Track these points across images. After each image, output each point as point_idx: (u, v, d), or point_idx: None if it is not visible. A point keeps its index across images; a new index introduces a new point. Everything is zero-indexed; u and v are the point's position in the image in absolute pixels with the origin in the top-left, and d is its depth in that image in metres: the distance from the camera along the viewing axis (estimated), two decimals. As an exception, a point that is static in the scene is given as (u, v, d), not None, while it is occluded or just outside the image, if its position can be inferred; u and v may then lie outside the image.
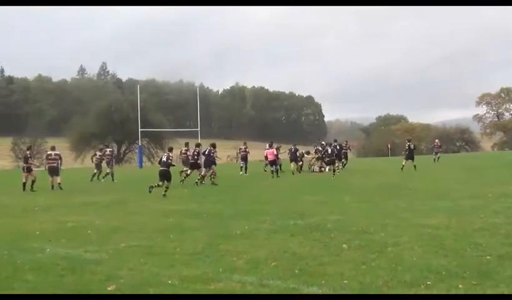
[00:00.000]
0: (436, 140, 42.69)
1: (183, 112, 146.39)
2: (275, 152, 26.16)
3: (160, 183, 16.90)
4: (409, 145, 28.24)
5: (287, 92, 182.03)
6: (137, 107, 49.55)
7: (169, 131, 72.79)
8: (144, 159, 63.45)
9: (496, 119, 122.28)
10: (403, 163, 27.59)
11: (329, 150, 25.20)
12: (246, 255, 7.25)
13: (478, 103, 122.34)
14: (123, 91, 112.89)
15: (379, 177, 23.79)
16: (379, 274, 6.02)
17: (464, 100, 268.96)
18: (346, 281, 5.80)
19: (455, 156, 56.54)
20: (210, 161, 21.78)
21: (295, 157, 28.48)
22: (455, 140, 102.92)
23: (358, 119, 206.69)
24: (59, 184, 21.18)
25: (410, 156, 27.71)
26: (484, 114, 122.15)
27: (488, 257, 6.71)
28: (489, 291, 5.32)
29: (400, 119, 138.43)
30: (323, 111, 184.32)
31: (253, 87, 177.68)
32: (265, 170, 28.84)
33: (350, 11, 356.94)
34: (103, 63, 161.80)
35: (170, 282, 5.98)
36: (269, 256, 7.13)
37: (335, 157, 25.38)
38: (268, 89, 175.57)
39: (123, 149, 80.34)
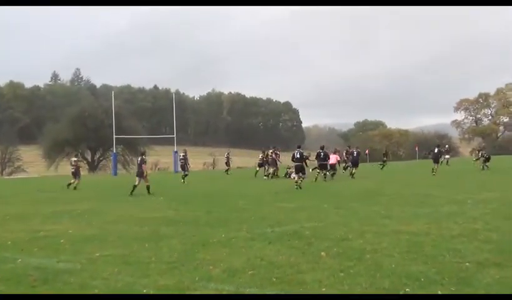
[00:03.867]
0: (446, 146, 43.74)
1: (158, 118, 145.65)
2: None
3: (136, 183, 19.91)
4: (438, 150, 30.85)
5: (264, 98, 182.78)
6: (112, 113, 49.09)
7: (144, 138, 72.28)
8: (119, 166, 62.72)
9: (475, 125, 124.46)
10: (433, 167, 29.42)
11: (322, 155, 26.09)
12: (223, 263, 7.20)
13: (456, 109, 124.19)
14: (97, 97, 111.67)
15: (358, 183, 23.96)
16: (358, 281, 6.04)
17: (443, 106, 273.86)
18: (324, 289, 5.79)
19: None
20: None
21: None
22: (433, 145, 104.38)
23: (336, 125, 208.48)
24: None
25: (436, 159, 30.00)
26: (463, 119, 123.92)
27: (467, 263, 6.78)
28: (468, 297, 5.37)
29: (378, 125, 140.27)
30: (300, 117, 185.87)
31: (230, 93, 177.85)
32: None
33: (328, 19, 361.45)
34: (76, 69, 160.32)
35: (145, 291, 5.90)
36: (246, 264, 7.09)
37: (327, 161, 26.25)
38: (245, 95, 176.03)
39: (97, 156, 79.41)
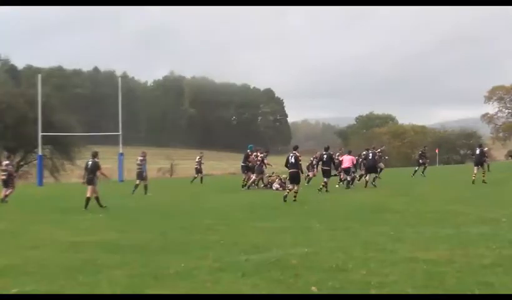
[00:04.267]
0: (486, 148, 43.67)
1: (99, 110, 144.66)
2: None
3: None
4: (481, 150, 31.00)
5: (239, 84, 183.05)
6: (37, 103, 48.56)
7: (80, 136, 71.52)
8: (46, 173, 62.01)
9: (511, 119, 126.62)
10: (474, 172, 29.76)
11: (325, 157, 27.52)
12: (182, 303, 7.11)
13: (488, 99, 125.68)
14: (18, 82, 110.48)
15: (359, 195, 24.09)
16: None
17: (470, 96, 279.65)
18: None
19: (459, 168, 58.06)
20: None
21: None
22: (458, 147, 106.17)
23: (332, 120, 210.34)
24: None
25: (479, 162, 30.31)
26: (496, 112, 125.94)
27: (502, 301, 6.83)
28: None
29: (387, 120, 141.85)
30: (286, 109, 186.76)
31: (194, 77, 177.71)
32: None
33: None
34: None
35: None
36: (213, 304, 7.02)
37: (331, 167, 27.82)
38: (213, 80, 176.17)
39: (17, 159, 78.46)
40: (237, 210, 19.10)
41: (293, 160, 23.12)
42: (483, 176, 29.85)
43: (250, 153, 31.93)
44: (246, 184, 30.54)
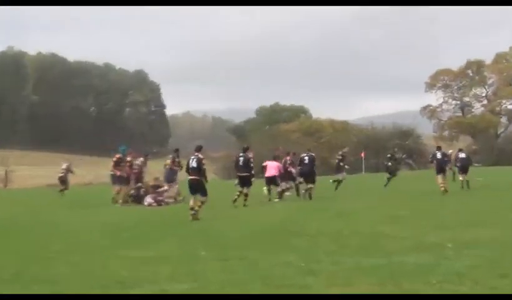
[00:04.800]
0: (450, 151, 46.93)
1: None
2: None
3: None
4: (443, 154, 34.94)
5: (100, 63, 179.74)
6: None
7: None
8: None
9: (460, 114, 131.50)
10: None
11: (306, 160, 31.36)
12: None
13: (430, 86, 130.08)
14: None
15: (264, 211, 24.65)
16: None
17: (406, 83, 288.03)
18: None
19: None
20: None
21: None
22: (391, 149, 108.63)
23: (225, 113, 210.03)
24: None
25: (441, 168, 33.76)
26: (440, 104, 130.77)
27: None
28: None
29: (297, 113, 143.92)
30: (163, 98, 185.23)
31: (40, 53, 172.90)
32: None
33: None
34: None
35: None
36: None
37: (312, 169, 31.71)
38: (66, 58, 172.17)
39: None
40: (97, 232, 19.10)
41: (194, 164, 23.64)
42: (442, 186, 32.71)
43: (121, 157, 32.28)
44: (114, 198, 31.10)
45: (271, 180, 33.16)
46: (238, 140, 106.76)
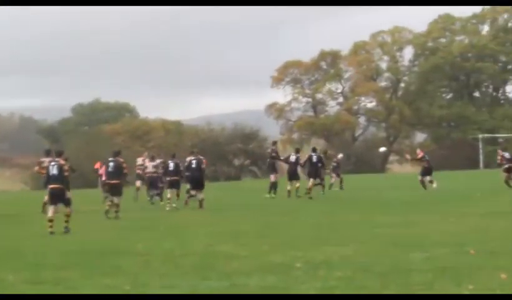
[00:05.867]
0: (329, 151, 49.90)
1: None
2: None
3: None
4: (318, 157, 39.27)
5: None
6: None
7: None
8: None
9: (312, 113, 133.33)
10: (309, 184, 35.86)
11: (194, 164, 34.38)
12: None
13: (277, 81, 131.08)
14: None
15: (93, 227, 24.80)
16: None
17: (249, 77, 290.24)
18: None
19: (233, 185, 60.93)
20: None
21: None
22: (232, 154, 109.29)
23: (36, 111, 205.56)
24: None
25: (316, 172, 37.48)
26: (289, 102, 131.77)
27: None
28: None
29: (122, 112, 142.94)
30: None
31: None
32: None
33: None
34: None
35: None
36: None
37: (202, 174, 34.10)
38: None
39: None
40: None
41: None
42: (309, 191, 33.92)
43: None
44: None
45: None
46: (51, 144, 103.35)
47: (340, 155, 47.68)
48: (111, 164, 30.34)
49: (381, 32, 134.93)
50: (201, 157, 36.82)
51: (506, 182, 45.13)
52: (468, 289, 11.88)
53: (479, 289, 11.83)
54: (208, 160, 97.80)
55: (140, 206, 36.88)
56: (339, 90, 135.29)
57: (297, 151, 43.34)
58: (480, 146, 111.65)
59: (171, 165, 35.64)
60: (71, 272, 15.27)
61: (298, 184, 40.67)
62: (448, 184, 53.08)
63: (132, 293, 12.67)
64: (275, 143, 49.30)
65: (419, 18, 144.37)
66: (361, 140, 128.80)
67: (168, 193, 35.88)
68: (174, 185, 35.35)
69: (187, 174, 36.03)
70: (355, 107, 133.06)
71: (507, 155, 46.05)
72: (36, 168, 36.77)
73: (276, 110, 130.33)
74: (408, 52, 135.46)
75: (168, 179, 36.47)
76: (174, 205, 34.92)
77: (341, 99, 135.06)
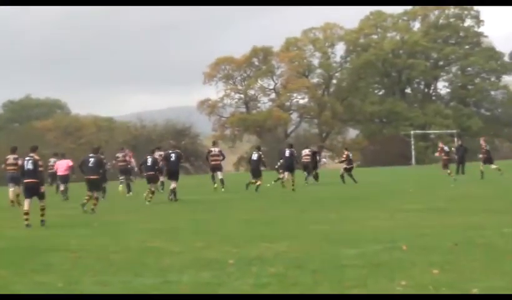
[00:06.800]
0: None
1: None
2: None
3: None
4: (291, 152, 43.56)
5: None
6: None
7: None
8: None
9: (244, 109, 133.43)
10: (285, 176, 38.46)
11: (173, 156, 34.79)
12: None
13: (209, 77, 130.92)
14: None
15: (8, 225, 24.63)
16: None
17: (183, 72, 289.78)
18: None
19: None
20: None
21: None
22: (164, 150, 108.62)
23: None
24: None
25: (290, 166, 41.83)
26: (222, 98, 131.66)
27: None
28: None
29: (53, 108, 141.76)
30: None
31: None
32: None
33: None
34: None
35: None
36: None
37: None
38: None
39: None
40: None
41: (30, 166, 24.44)
42: (292, 185, 40.00)
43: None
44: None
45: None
46: None
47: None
48: (91, 159, 30.69)
49: (313, 29, 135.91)
50: (179, 150, 37.36)
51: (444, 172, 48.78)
52: (401, 285, 12.02)
53: (412, 285, 11.98)
54: (140, 158, 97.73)
55: (74, 203, 36.57)
56: (271, 87, 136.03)
57: (291, 146, 46.80)
58: (412, 142, 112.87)
59: (149, 160, 36.10)
60: (1, 269, 15.19)
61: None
62: (381, 180, 53.75)
63: (65, 289, 12.61)
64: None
65: (351, 14, 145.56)
66: (293, 137, 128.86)
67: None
68: (151, 180, 35.84)
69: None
70: (287, 104, 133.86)
71: (446, 148, 47.96)
72: (2, 166, 38.73)
73: (209, 107, 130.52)
74: (340, 49, 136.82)
75: (145, 174, 36.93)
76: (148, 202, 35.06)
77: (273, 95, 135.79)
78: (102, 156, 31.63)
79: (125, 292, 12.38)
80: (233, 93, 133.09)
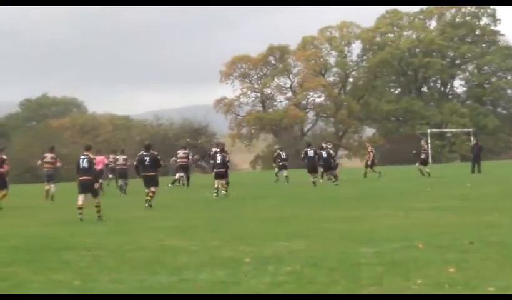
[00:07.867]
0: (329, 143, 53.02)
1: None
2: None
3: None
4: (314, 152, 43.61)
5: None
6: None
7: None
8: None
9: (261, 108, 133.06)
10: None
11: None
12: None
13: (225, 76, 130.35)
14: None
15: (23, 224, 24.57)
16: None
17: (199, 71, 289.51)
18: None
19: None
20: None
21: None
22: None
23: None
24: None
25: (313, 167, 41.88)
26: (238, 97, 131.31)
27: None
28: None
29: (69, 107, 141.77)
30: None
31: None
32: None
33: None
34: None
35: None
36: None
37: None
38: None
39: None
40: None
41: (85, 164, 25.27)
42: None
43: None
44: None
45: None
46: (6, 142, 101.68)
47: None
48: (147, 158, 31.44)
49: (329, 27, 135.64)
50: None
51: (420, 170, 51.57)
52: (417, 284, 11.98)
53: (428, 284, 11.94)
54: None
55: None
56: (287, 85, 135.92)
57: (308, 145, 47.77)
58: (428, 141, 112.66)
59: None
60: (18, 267, 15.21)
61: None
62: (397, 178, 53.62)
63: (82, 287, 12.62)
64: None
65: (367, 13, 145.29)
66: (310, 135, 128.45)
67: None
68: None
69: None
70: (304, 102, 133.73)
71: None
72: (39, 162, 41.76)
73: (225, 105, 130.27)
74: (356, 47, 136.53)
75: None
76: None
77: (289, 94, 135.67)
78: (93, 156, 31.26)
79: (141, 291, 12.41)
80: (249, 92, 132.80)
